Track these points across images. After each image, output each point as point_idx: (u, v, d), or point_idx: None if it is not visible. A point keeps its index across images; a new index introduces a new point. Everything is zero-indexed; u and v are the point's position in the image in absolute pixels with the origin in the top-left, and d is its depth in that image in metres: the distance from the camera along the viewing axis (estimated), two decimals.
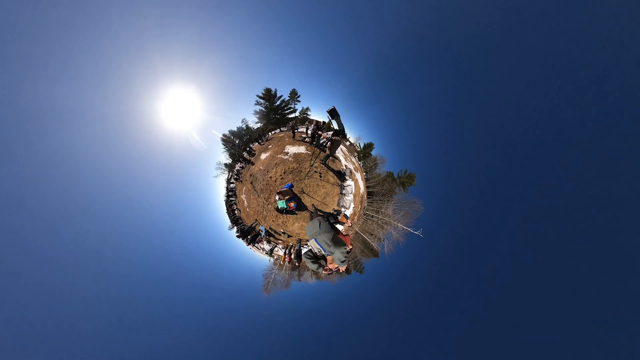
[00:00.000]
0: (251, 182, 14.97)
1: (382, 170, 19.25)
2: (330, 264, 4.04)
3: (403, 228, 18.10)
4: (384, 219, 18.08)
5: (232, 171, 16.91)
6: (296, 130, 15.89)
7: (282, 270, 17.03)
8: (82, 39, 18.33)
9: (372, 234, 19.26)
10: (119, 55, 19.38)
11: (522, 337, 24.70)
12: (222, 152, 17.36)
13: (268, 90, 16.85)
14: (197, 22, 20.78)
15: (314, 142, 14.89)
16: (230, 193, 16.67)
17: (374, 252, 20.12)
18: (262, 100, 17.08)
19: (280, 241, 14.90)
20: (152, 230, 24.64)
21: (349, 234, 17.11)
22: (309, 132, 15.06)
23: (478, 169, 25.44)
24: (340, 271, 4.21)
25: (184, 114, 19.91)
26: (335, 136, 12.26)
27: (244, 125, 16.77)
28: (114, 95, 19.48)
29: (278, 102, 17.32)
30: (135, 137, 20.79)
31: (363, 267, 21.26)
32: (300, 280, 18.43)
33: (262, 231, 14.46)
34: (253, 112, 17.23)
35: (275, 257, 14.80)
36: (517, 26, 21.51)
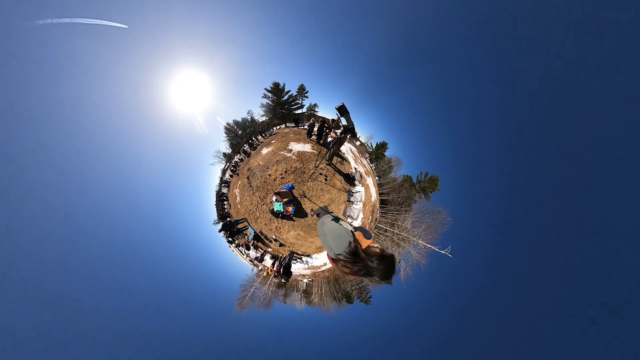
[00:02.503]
0: (248, 177, 13.61)
1: (398, 173, 16.56)
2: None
3: (425, 246, 14.55)
4: (400, 234, 14.91)
5: (230, 162, 15.82)
6: (313, 131, 14.19)
7: (265, 284, 14.22)
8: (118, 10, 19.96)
9: None
10: (144, 29, 20.78)
11: None
12: (223, 141, 16.70)
13: (276, 85, 16.42)
14: (220, 12, 22.16)
15: (321, 140, 13.61)
16: (223, 184, 15.35)
17: None
18: (269, 94, 16.63)
19: (270, 249, 12.76)
20: (131, 204, 23.42)
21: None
22: (315, 129, 13.95)
23: (521, 166, 19.49)
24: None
25: (193, 96, 20.41)
26: (345, 135, 10.99)
27: (249, 117, 16.19)
28: (134, 64, 20.57)
29: (285, 97, 16.75)
30: (142, 106, 21.58)
31: (370, 297, 17.12)
32: (285, 303, 14.94)
33: (250, 233, 12.53)
34: (260, 105, 16.76)
35: (259, 268, 12.45)
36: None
